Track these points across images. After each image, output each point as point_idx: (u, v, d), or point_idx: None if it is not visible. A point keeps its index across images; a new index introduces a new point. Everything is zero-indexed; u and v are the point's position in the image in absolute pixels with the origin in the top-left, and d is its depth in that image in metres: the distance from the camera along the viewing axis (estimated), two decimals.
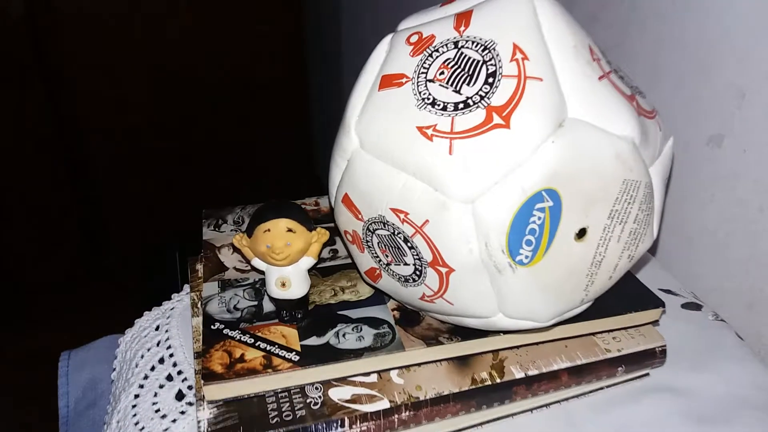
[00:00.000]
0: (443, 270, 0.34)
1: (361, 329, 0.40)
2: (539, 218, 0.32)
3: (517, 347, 0.41)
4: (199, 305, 0.45)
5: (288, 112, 1.83)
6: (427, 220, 0.32)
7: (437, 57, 0.34)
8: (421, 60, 0.34)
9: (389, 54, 0.36)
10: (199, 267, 0.49)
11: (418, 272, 0.35)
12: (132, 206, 1.79)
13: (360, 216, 0.36)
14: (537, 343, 0.42)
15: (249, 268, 0.47)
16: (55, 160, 1.60)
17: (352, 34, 1.35)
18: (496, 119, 0.31)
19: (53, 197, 1.65)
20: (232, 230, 0.51)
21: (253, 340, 0.40)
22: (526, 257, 0.32)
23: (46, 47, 1.49)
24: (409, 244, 0.34)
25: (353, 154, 0.36)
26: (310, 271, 0.41)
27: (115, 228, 1.80)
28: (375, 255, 0.37)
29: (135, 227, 1.81)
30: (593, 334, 0.43)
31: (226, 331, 0.41)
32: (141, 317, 0.51)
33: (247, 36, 1.67)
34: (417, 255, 0.34)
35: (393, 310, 0.42)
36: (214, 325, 0.41)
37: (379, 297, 0.43)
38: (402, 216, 0.33)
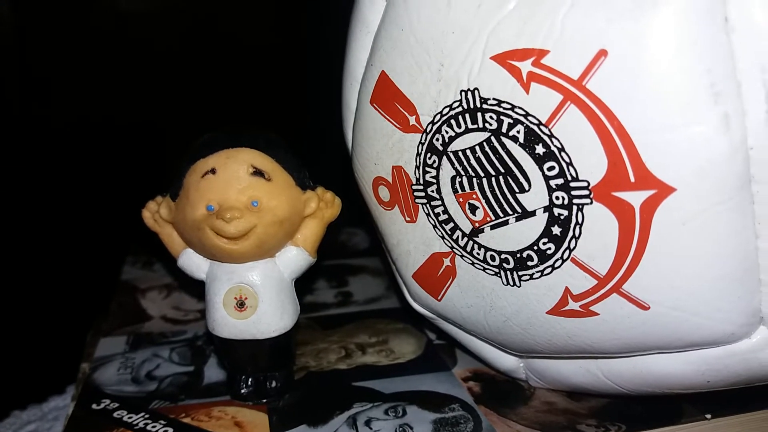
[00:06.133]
0: (636, 198, 0.14)
1: (403, 412, 0.19)
2: None
3: None
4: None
5: None
6: (602, 53, 0.13)
7: None
8: None
9: None
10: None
11: (557, 229, 0.15)
12: None
13: (415, 116, 0.17)
14: None
15: (186, 317, 0.26)
16: None
17: None
18: None
19: None
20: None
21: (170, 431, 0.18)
22: None
23: None
24: (537, 152, 0.15)
25: None
26: (301, 293, 0.20)
27: None
28: (444, 217, 0.17)
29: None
30: None
31: (119, 413, 0.19)
32: None
33: None
34: (559, 175, 0.15)
35: (466, 380, 0.21)
36: (99, 404, 0.20)
37: (435, 359, 0.22)
38: (526, 67, 0.14)
